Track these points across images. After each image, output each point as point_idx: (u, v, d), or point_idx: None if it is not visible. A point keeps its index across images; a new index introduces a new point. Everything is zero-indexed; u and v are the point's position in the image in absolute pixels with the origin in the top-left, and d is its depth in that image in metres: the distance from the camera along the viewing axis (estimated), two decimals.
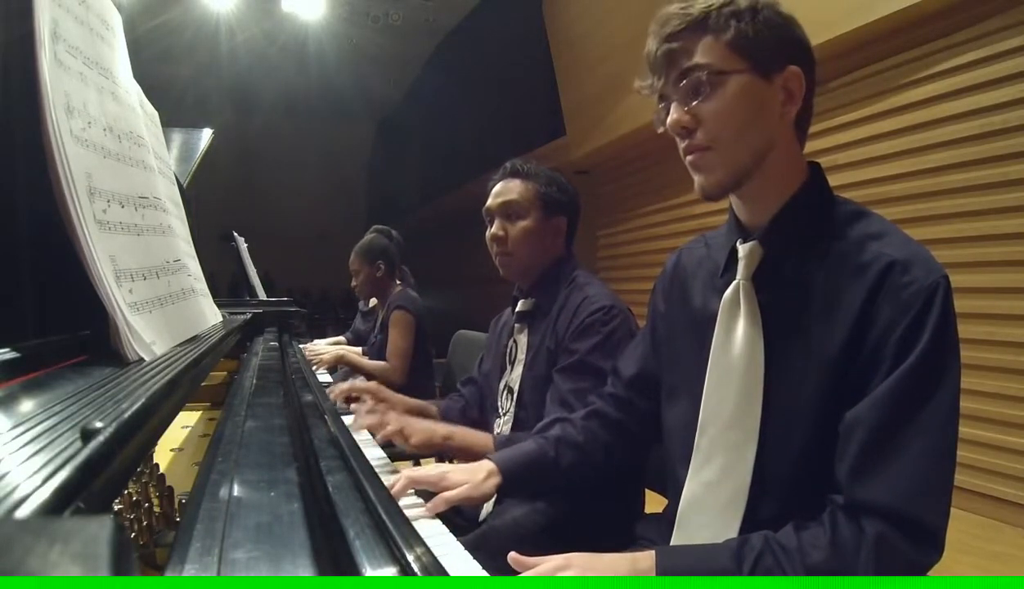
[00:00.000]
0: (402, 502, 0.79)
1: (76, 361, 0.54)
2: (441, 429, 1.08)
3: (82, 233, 0.53)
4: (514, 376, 1.26)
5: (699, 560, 0.67)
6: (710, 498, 0.76)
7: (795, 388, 0.70)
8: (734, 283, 0.76)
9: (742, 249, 0.76)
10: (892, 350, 0.65)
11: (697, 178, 0.75)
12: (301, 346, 1.77)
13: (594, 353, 1.11)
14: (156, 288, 0.68)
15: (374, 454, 1.04)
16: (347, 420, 1.02)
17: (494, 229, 1.26)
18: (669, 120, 0.73)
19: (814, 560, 0.63)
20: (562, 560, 0.66)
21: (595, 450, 0.94)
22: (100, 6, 0.71)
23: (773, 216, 0.74)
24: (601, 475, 0.97)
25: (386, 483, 0.89)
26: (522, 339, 1.27)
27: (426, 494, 0.85)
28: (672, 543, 0.80)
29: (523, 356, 1.25)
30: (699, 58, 0.70)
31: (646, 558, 0.67)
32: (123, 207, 0.64)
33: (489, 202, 1.27)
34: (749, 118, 0.71)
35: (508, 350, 1.30)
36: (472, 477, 0.86)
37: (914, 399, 0.64)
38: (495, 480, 0.87)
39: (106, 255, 0.56)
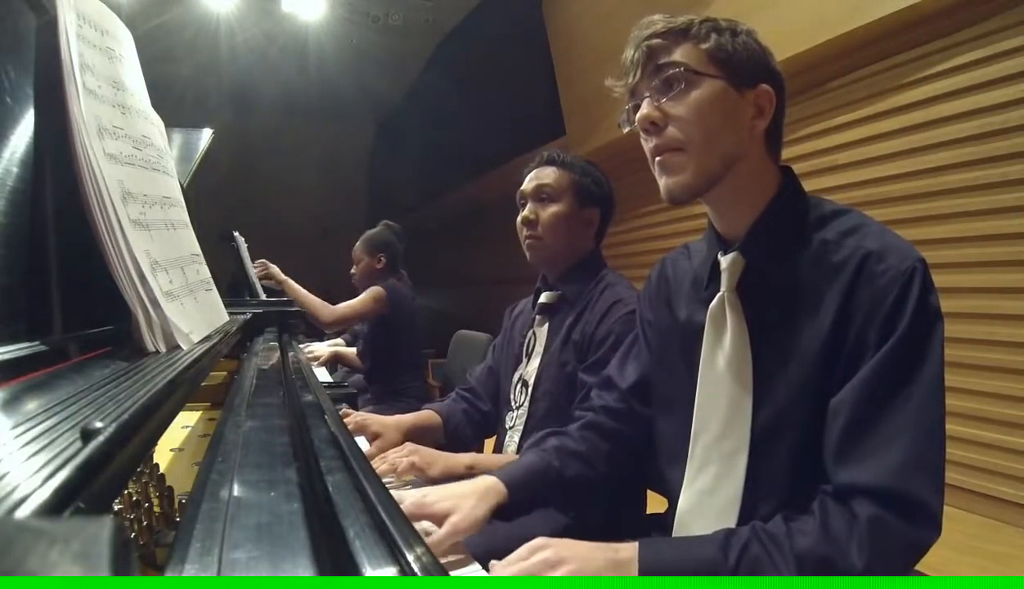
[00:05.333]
0: None
1: (99, 353, 0.56)
2: (464, 458, 1.02)
3: (114, 236, 0.58)
4: (529, 369, 1.24)
5: (683, 551, 0.67)
6: (706, 505, 0.76)
7: (784, 392, 0.71)
8: (719, 295, 0.76)
9: (724, 261, 0.76)
10: (874, 337, 0.65)
11: (664, 180, 0.75)
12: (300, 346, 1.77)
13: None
14: (187, 276, 0.75)
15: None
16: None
17: (526, 212, 1.25)
18: (639, 115, 0.74)
19: (802, 546, 0.62)
20: (540, 542, 0.65)
21: (597, 459, 0.91)
22: (115, 30, 0.77)
23: (751, 226, 0.75)
24: (605, 485, 0.94)
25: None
26: (542, 332, 1.26)
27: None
28: (693, 535, 0.79)
29: (541, 349, 1.24)
30: (677, 57, 0.73)
31: (628, 548, 0.66)
32: (152, 207, 0.71)
33: (524, 186, 1.27)
34: (719, 123, 0.72)
35: (526, 342, 1.28)
36: (459, 502, 0.75)
37: (894, 379, 0.64)
38: (490, 502, 0.78)
39: (142, 250, 0.62)
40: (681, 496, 0.80)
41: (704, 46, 0.72)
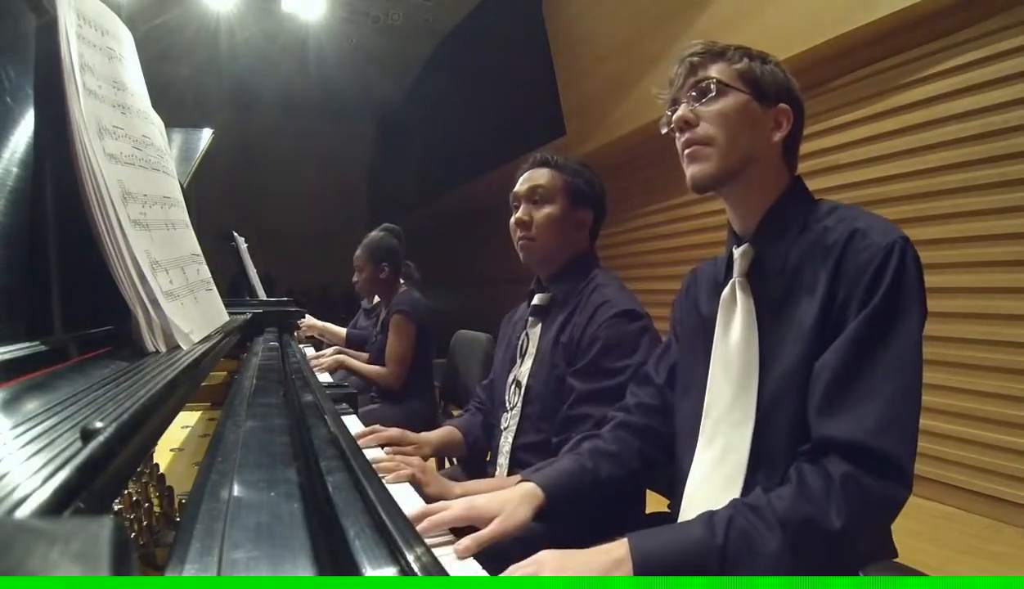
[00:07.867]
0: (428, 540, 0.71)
1: (99, 353, 0.57)
2: (455, 488, 1.03)
3: (114, 236, 0.59)
4: (523, 370, 1.25)
5: (672, 536, 0.70)
6: (713, 475, 0.82)
7: (785, 365, 0.77)
8: (731, 281, 0.85)
9: (736, 252, 0.86)
10: (856, 305, 0.72)
11: (690, 168, 0.86)
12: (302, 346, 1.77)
13: (609, 356, 1.11)
14: (187, 276, 0.76)
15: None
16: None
17: (519, 214, 1.27)
18: (676, 115, 0.86)
19: (782, 509, 0.66)
20: (534, 560, 0.67)
21: (630, 457, 0.96)
22: (115, 30, 0.77)
23: (760, 220, 0.85)
24: (637, 482, 0.99)
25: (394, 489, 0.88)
26: (534, 333, 1.27)
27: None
28: (679, 522, 0.82)
29: (534, 350, 1.25)
30: (712, 73, 0.85)
31: (619, 546, 0.69)
32: (152, 207, 0.72)
33: (516, 187, 1.29)
34: (741, 127, 0.83)
35: (520, 344, 1.30)
36: (504, 505, 0.82)
37: (873, 342, 0.70)
38: (531, 505, 0.84)
39: (142, 250, 0.62)
40: (692, 468, 0.85)
41: (736, 66, 0.85)
